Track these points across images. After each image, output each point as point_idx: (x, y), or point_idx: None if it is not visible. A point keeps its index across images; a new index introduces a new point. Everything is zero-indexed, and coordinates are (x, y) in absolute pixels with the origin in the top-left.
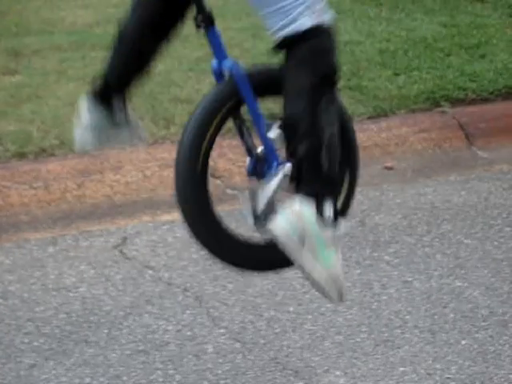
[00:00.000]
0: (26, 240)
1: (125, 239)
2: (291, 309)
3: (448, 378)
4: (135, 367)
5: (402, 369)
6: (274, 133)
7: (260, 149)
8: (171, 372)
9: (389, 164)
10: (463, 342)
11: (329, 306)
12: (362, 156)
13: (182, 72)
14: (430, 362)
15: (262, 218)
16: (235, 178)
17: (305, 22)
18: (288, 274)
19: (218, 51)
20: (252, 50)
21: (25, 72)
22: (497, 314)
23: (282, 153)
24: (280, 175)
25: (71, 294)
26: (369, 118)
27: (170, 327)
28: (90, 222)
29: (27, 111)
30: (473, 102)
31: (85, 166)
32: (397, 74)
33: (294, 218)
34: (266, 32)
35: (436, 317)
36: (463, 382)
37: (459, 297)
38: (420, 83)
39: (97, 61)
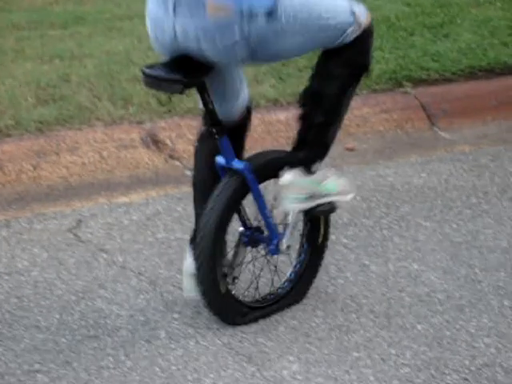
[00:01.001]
0: None
1: (79, 222)
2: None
3: (403, 363)
4: (86, 353)
5: (356, 354)
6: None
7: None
8: (122, 358)
9: (350, 145)
10: (419, 327)
11: None
12: None
13: (142, 51)
14: (385, 347)
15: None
16: None
17: (351, 36)
18: (245, 258)
19: (228, 153)
20: None
21: None
22: (453, 298)
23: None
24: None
25: (23, 278)
26: None
27: (122, 312)
28: (44, 204)
29: None
30: (435, 82)
31: (41, 147)
32: None
33: (295, 191)
34: None
35: (392, 301)
36: (418, 368)
37: (416, 280)
38: (382, 63)
39: (55, 39)
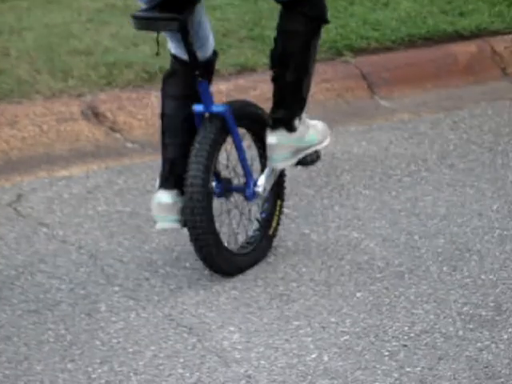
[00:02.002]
0: None
1: (20, 196)
2: (187, 264)
3: (342, 331)
4: (26, 328)
5: (296, 323)
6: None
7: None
8: (63, 332)
9: None
10: (358, 295)
11: None
12: (265, 108)
13: (81, 23)
14: (325, 315)
15: None
16: (135, 132)
17: None
18: (185, 230)
19: (207, 98)
20: None
21: None
22: (393, 265)
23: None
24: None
25: None
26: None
27: (62, 286)
28: None
29: None
30: (376, 51)
31: None
32: None
33: (281, 151)
34: None
35: (332, 269)
36: (357, 335)
37: (356, 248)
38: (323, 32)
39: None
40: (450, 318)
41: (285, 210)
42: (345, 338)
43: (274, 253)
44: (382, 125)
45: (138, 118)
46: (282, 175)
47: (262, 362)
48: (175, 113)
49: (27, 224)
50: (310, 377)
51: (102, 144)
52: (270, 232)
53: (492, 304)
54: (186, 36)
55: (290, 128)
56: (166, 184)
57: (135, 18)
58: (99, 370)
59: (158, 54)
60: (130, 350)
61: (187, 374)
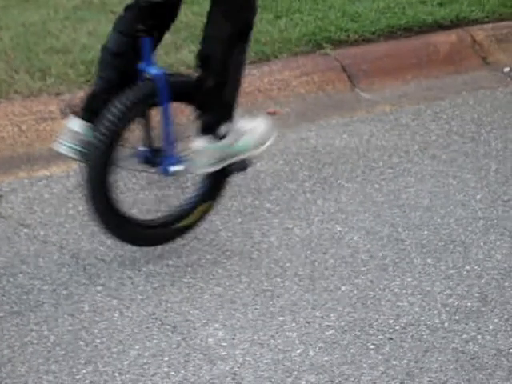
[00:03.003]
0: None
1: (0, 197)
2: (170, 262)
3: (327, 325)
4: (9, 330)
5: (281, 318)
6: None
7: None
8: (46, 333)
9: (271, 109)
10: (343, 288)
11: (208, 257)
12: (245, 102)
13: (58, 21)
14: (310, 309)
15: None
16: None
17: None
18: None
19: (147, 56)
20: None
21: None
22: (377, 258)
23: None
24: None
25: None
26: (251, 62)
27: (45, 287)
28: None
29: None
30: (355, 43)
31: None
32: (278, 17)
33: (205, 157)
34: None
35: (316, 263)
36: (343, 329)
37: (339, 242)
38: (302, 25)
39: None
40: (436, 310)
41: (267, 205)
42: (330, 332)
43: (257, 248)
44: (363, 117)
45: None
46: (225, 176)
47: (248, 358)
48: (116, 49)
49: (8, 225)
50: (295, 372)
51: None
52: (181, 223)
53: (477, 295)
54: None
55: (216, 134)
56: (82, 114)
57: None
58: (84, 371)
59: None
60: (115, 349)
61: (172, 373)
